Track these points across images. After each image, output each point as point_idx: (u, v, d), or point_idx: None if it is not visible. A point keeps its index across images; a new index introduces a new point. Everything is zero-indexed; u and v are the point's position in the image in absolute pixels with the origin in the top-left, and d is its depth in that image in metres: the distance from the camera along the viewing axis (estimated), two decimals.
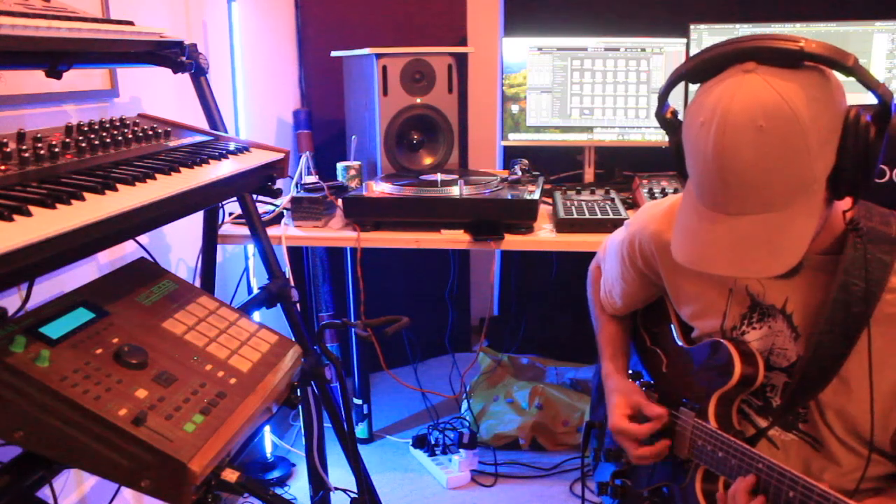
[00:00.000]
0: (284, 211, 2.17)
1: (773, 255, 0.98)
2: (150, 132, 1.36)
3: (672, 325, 1.38)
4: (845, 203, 1.04)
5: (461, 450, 2.52)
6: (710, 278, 1.23)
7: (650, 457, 1.29)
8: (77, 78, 1.59)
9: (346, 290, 2.62)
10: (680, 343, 1.35)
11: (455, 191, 2.06)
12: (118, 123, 1.36)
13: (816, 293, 1.11)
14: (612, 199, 2.20)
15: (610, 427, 1.35)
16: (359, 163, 2.40)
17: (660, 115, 1.12)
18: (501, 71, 2.54)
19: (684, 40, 2.48)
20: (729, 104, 0.94)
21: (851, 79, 0.95)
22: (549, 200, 2.27)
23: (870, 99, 0.96)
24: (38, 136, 1.12)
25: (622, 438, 1.33)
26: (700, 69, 1.02)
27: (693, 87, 1.05)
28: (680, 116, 1.10)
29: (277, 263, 1.74)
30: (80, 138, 1.19)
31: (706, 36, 2.46)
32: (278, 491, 2.39)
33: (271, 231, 1.99)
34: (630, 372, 1.48)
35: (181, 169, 1.20)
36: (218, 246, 1.88)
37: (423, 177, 2.25)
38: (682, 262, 1.05)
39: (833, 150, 0.96)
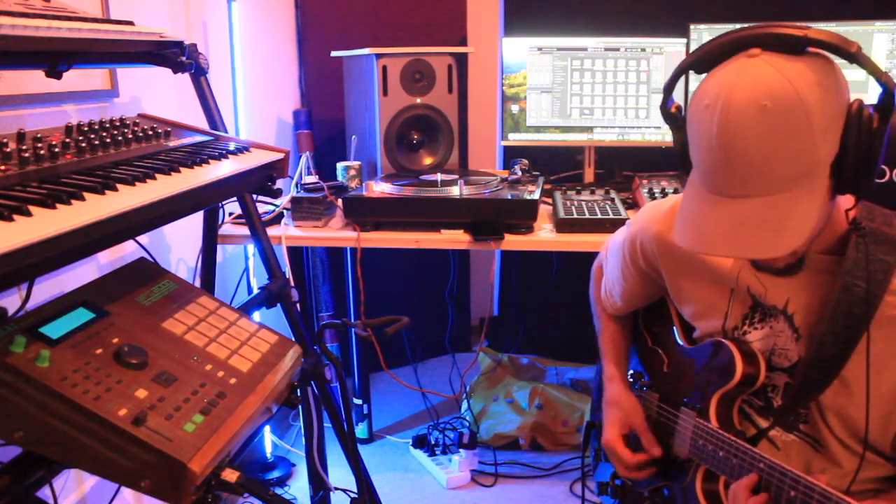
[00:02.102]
0: (284, 211, 2.17)
1: (775, 236, 0.97)
2: (150, 132, 1.36)
3: (674, 326, 1.38)
4: (847, 202, 1.04)
5: (461, 450, 2.52)
6: (712, 279, 1.23)
7: (638, 478, 1.34)
8: (77, 78, 1.59)
9: (346, 290, 2.62)
10: (681, 343, 1.35)
11: (455, 191, 2.06)
12: (118, 123, 1.35)
13: (818, 294, 1.11)
14: (612, 199, 2.20)
15: (603, 442, 1.38)
16: (359, 163, 2.40)
17: (664, 108, 1.12)
18: (501, 71, 2.54)
19: (684, 40, 2.48)
20: (733, 86, 0.95)
21: (853, 79, 0.95)
22: (549, 200, 2.27)
23: (871, 97, 0.96)
24: (38, 136, 1.11)
25: (612, 456, 1.36)
26: (705, 58, 1.02)
27: (694, 85, 1.05)
28: (683, 112, 1.10)
29: (277, 263, 1.74)
30: (80, 138, 1.19)
31: (706, 36, 2.46)
32: (278, 491, 2.39)
33: (271, 231, 1.99)
34: (631, 372, 1.48)
35: (181, 169, 1.20)
36: (218, 246, 1.88)
37: (423, 177, 2.25)
38: (684, 246, 1.05)
39: (837, 137, 0.96)
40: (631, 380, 1.46)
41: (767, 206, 0.97)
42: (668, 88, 1.11)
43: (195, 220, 1.74)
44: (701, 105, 0.99)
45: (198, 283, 1.82)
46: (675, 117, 1.11)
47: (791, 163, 0.95)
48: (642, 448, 1.34)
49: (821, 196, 0.98)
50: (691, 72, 1.07)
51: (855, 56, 0.93)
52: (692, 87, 2.37)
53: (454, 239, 2.04)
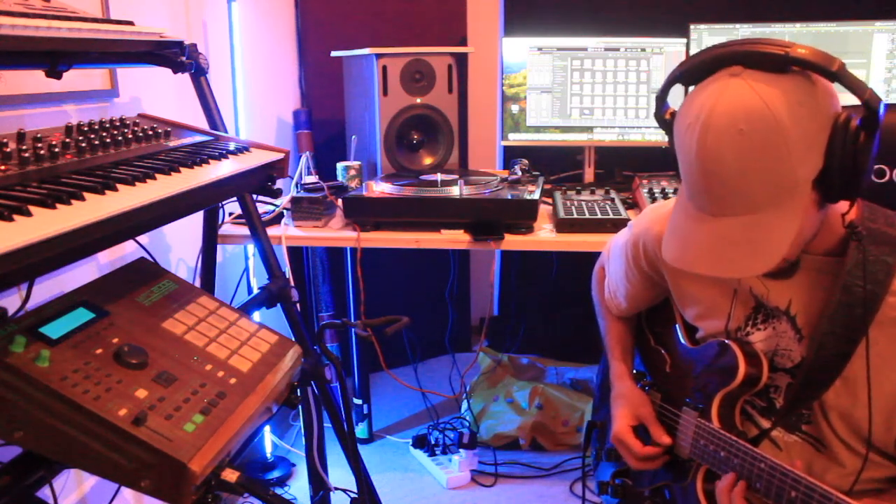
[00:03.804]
0: (284, 211, 2.17)
1: (752, 255, 0.99)
2: (150, 132, 1.36)
3: (676, 326, 1.38)
4: (845, 205, 1.04)
5: (461, 450, 2.51)
6: (714, 280, 1.23)
7: (648, 468, 1.33)
8: (77, 78, 1.59)
9: (346, 290, 2.62)
10: (684, 343, 1.35)
11: (455, 191, 2.06)
12: (118, 123, 1.35)
13: (820, 295, 1.11)
14: (612, 199, 2.20)
15: (613, 434, 1.37)
16: (359, 163, 2.40)
17: (658, 115, 1.13)
18: (501, 71, 2.54)
19: (684, 40, 2.48)
20: (712, 107, 0.96)
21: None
22: (549, 200, 2.27)
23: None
24: (38, 136, 1.11)
25: (622, 448, 1.35)
26: (691, 72, 1.04)
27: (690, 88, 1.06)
28: None
29: (277, 263, 1.74)
30: (80, 138, 1.19)
31: (706, 36, 2.46)
32: (278, 491, 2.39)
33: (271, 231, 1.99)
34: (634, 372, 1.47)
35: (181, 169, 1.20)
36: (218, 246, 1.88)
37: (423, 177, 2.25)
38: (668, 260, 1.07)
39: (820, 153, 0.97)
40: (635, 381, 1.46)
41: (745, 226, 0.98)
42: (660, 98, 1.13)
43: (195, 220, 1.74)
44: (683, 124, 1.01)
45: (198, 283, 1.82)
46: (669, 123, 1.11)
47: (768, 185, 0.96)
48: (651, 441, 1.34)
49: (801, 213, 0.99)
50: None
51: (837, 74, 0.94)
52: (692, 88, 2.37)
53: (454, 239, 2.04)
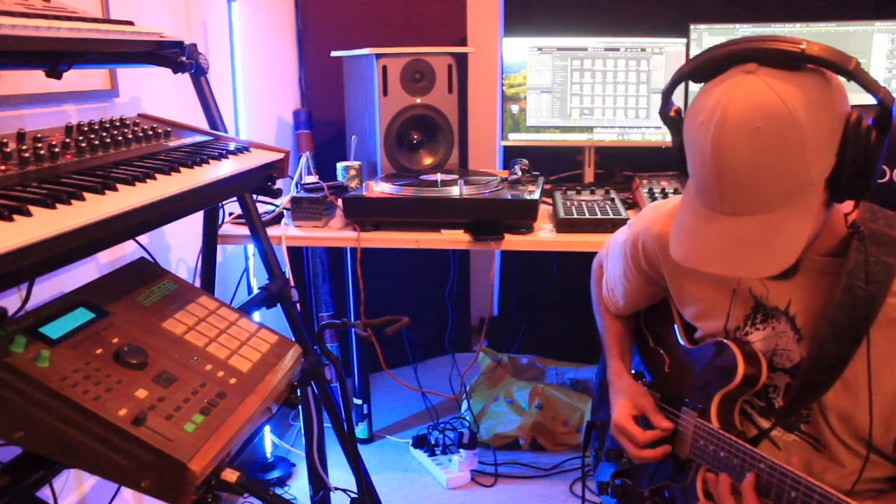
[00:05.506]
0: (284, 211, 2.17)
1: (766, 255, 0.98)
2: (150, 132, 1.36)
3: (675, 326, 1.38)
4: (847, 205, 1.04)
5: (461, 450, 2.51)
6: (714, 280, 1.23)
7: (650, 459, 1.31)
8: (77, 78, 1.59)
9: (346, 290, 2.62)
10: (683, 343, 1.35)
11: (455, 191, 2.06)
12: (118, 123, 1.35)
13: (820, 295, 1.11)
14: (612, 199, 2.20)
15: (612, 423, 1.36)
16: (359, 163, 2.40)
17: (663, 113, 1.12)
18: (501, 71, 2.54)
19: (684, 40, 2.48)
20: (728, 104, 0.95)
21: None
22: (549, 200, 2.27)
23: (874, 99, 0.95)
24: (38, 136, 1.11)
25: (622, 437, 1.34)
26: (702, 69, 1.02)
27: (694, 87, 1.05)
28: (682, 114, 1.10)
29: (277, 263, 1.74)
30: (80, 138, 1.19)
31: (706, 36, 2.46)
32: (278, 491, 2.39)
33: (271, 231, 1.99)
34: (632, 372, 1.47)
35: (181, 169, 1.20)
36: (218, 246, 1.88)
37: (423, 177, 2.25)
38: (677, 259, 1.06)
39: (832, 152, 0.96)
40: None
41: (759, 225, 0.97)
42: (667, 95, 1.11)
43: (195, 220, 1.74)
44: (696, 121, 0.99)
45: (198, 283, 1.82)
46: (674, 121, 1.11)
47: (783, 183, 0.95)
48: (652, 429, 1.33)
49: (813, 212, 0.98)
50: None
51: (852, 73, 0.93)
52: (693, 88, 2.38)
53: (454, 239, 2.04)
